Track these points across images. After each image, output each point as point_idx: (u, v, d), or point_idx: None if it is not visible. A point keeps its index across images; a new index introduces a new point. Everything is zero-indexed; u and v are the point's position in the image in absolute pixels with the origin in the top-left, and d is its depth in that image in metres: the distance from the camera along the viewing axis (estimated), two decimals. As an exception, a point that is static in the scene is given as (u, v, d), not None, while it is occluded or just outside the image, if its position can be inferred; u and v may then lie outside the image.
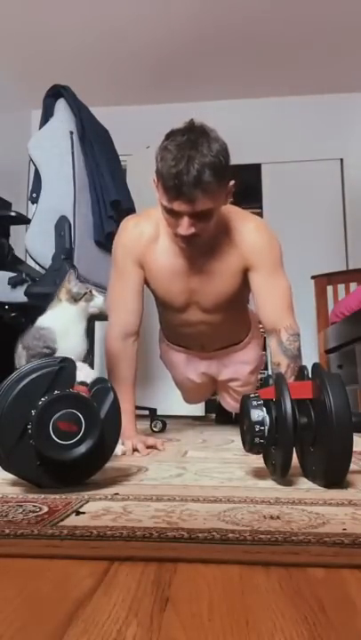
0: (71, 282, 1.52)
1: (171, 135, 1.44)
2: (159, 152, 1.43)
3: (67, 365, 1.03)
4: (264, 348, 2.31)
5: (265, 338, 2.37)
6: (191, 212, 1.44)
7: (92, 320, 1.71)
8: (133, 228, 1.70)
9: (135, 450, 1.52)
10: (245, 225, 1.64)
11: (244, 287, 1.72)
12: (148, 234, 1.66)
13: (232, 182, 1.51)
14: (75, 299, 1.49)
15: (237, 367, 2.10)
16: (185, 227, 1.47)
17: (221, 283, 1.69)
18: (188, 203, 1.41)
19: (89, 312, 1.52)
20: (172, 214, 1.48)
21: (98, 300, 1.52)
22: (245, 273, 1.67)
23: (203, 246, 1.60)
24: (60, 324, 1.45)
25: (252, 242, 1.62)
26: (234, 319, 1.90)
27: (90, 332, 2.55)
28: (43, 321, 1.48)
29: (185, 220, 1.46)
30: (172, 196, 1.41)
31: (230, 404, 2.26)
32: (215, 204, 1.47)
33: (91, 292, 1.51)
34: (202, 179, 1.37)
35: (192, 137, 1.40)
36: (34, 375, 1.00)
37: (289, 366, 1.58)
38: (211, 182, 1.38)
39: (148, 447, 1.58)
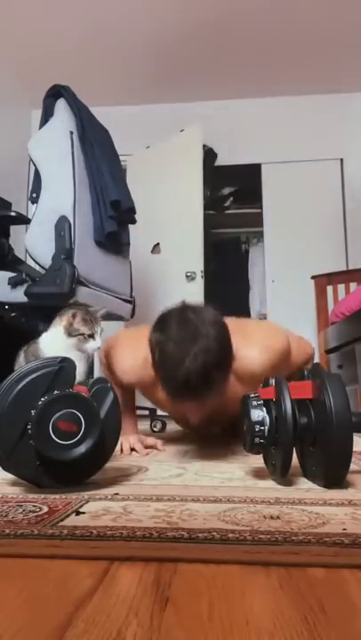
0: (76, 319, 1.57)
1: (165, 325, 1.30)
2: (156, 345, 1.30)
3: (66, 365, 1.03)
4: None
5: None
6: (200, 404, 1.34)
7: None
8: (132, 361, 1.53)
9: (133, 449, 1.52)
10: (248, 353, 1.43)
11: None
12: (149, 377, 1.45)
13: (227, 365, 1.35)
14: (70, 333, 1.56)
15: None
16: (195, 418, 1.41)
17: (227, 409, 1.51)
18: (196, 401, 1.32)
19: (82, 350, 1.56)
20: (179, 403, 1.39)
21: (89, 346, 1.56)
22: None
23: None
24: (53, 350, 1.50)
25: (257, 372, 1.42)
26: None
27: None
28: (42, 340, 1.59)
29: (193, 412, 1.39)
30: (179, 398, 1.32)
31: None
32: (221, 391, 1.35)
33: (85, 336, 1.55)
34: (209, 381, 1.25)
35: (189, 328, 1.26)
36: (33, 375, 1.00)
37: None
38: (216, 377, 1.28)
39: (148, 447, 1.58)
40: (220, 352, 1.27)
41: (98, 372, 2.70)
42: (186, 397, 1.29)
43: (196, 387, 1.23)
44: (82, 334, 1.55)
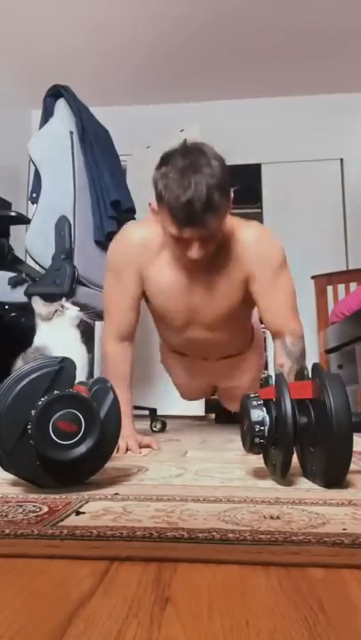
0: (39, 305, 1.63)
1: (168, 159, 1.38)
2: (160, 179, 1.38)
3: (66, 365, 1.03)
4: (265, 348, 2.30)
5: (265, 340, 2.36)
6: (202, 236, 1.41)
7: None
8: (136, 239, 1.63)
9: (128, 450, 1.52)
10: (245, 235, 1.58)
11: (247, 299, 1.67)
12: (152, 247, 1.59)
13: (232, 191, 1.47)
14: (48, 318, 1.60)
15: (238, 375, 2.06)
16: (196, 251, 1.44)
17: (224, 298, 1.64)
18: (200, 228, 1.38)
19: (73, 324, 1.59)
20: (180, 241, 1.44)
21: (70, 313, 1.61)
22: (247, 283, 1.62)
23: (205, 262, 1.55)
24: (52, 340, 1.55)
25: (252, 252, 1.56)
26: (236, 332, 1.85)
27: (90, 332, 2.55)
28: (36, 341, 1.63)
29: (195, 245, 1.43)
30: (183, 224, 1.37)
31: (231, 404, 2.26)
32: (223, 223, 1.45)
33: (59, 308, 1.61)
34: (212, 202, 1.33)
35: (192, 159, 1.35)
36: (33, 375, 1.00)
37: (292, 368, 1.56)
38: (219, 203, 1.35)
39: (144, 446, 1.58)
40: (223, 180, 1.36)
41: (98, 373, 2.70)
42: (190, 224, 1.36)
43: (201, 210, 1.32)
44: (55, 310, 1.61)
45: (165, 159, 1.39)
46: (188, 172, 1.32)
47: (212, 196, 1.32)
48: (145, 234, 1.62)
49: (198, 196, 1.30)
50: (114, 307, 1.69)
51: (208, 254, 1.49)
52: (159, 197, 1.39)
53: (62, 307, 1.59)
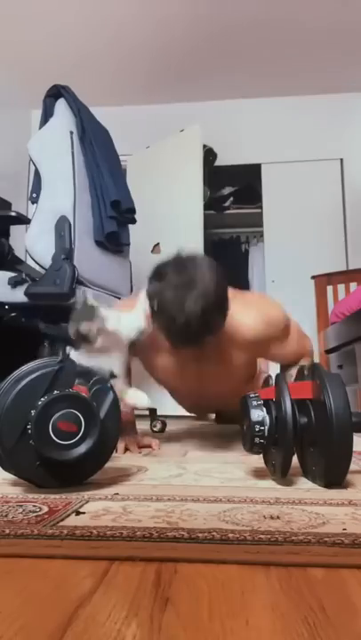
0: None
1: (162, 274, 1.29)
2: (154, 295, 1.29)
3: (66, 365, 1.03)
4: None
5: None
6: (199, 353, 1.41)
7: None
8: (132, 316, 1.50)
9: (127, 450, 1.52)
10: (244, 319, 1.46)
11: (252, 362, 1.65)
12: (147, 333, 1.44)
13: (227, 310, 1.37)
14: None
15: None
16: (195, 372, 1.49)
17: (228, 376, 1.58)
18: (196, 347, 1.36)
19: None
20: (179, 354, 1.47)
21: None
22: (254, 357, 1.63)
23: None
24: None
25: (254, 337, 1.47)
26: (241, 388, 1.66)
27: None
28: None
29: (194, 366, 1.48)
30: (180, 344, 1.36)
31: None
32: (219, 334, 1.37)
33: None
34: (208, 323, 1.27)
35: (186, 275, 1.27)
36: (33, 375, 1.00)
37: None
38: (216, 321, 1.31)
39: (143, 447, 1.58)
40: (219, 295, 1.30)
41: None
42: (186, 343, 1.34)
43: (197, 330, 1.26)
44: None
45: (159, 273, 1.31)
46: (183, 291, 1.24)
47: (208, 317, 1.26)
48: (140, 314, 1.47)
49: (194, 319, 1.23)
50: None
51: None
52: (154, 312, 1.31)
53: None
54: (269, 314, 1.52)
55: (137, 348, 1.50)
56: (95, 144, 2.36)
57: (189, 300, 1.23)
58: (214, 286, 1.28)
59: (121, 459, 1.41)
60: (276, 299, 1.67)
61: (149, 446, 1.59)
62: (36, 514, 0.80)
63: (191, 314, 1.23)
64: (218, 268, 1.34)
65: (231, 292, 1.38)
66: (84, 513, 0.81)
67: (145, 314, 1.32)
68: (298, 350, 1.60)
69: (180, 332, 1.27)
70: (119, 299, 2.50)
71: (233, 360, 1.52)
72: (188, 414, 3.06)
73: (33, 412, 0.95)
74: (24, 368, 1.01)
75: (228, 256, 4.31)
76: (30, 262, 2.43)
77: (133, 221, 2.58)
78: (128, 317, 1.34)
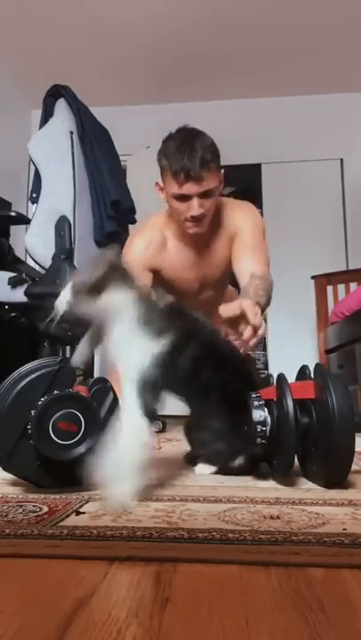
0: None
1: (168, 139, 1.68)
2: (162, 152, 1.67)
3: (66, 365, 1.03)
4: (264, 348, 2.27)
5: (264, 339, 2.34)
6: (200, 191, 1.63)
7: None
8: (140, 242, 1.81)
9: None
10: (233, 210, 1.85)
11: (229, 265, 1.88)
12: (156, 243, 1.80)
13: (222, 171, 1.74)
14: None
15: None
16: (196, 207, 1.65)
17: (222, 260, 1.85)
18: (198, 183, 1.61)
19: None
20: (182, 199, 1.66)
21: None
22: (231, 244, 1.84)
23: (204, 230, 1.75)
24: None
25: (237, 222, 1.81)
26: (223, 290, 2.08)
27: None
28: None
29: (195, 201, 1.64)
30: (182, 180, 1.61)
31: None
32: (216, 182, 1.68)
33: None
34: (205, 159, 1.60)
35: (188, 132, 1.67)
36: (33, 375, 1.00)
37: (258, 287, 1.58)
38: (212, 162, 1.63)
39: None
40: (214, 148, 1.66)
41: (99, 372, 2.70)
42: (190, 180, 1.60)
43: (198, 166, 1.58)
44: None
45: (166, 139, 1.68)
46: (185, 140, 1.62)
47: (206, 157, 1.60)
48: (147, 236, 1.82)
49: (194, 155, 1.59)
50: None
51: (207, 217, 1.70)
52: (162, 166, 1.66)
53: None
54: (252, 213, 1.90)
55: (151, 260, 1.80)
56: (95, 144, 2.36)
57: (189, 145, 1.60)
58: (211, 141, 1.67)
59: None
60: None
61: None
62: (36, 514, 0.80)
63: (192, 152, 1.59)
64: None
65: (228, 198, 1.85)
66: (84, 513, 0.81)
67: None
68: (259, 264, 1.72)
69: (184, 166, 1.58)
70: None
71: (222, 249, 1.82)
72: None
73: (33, 412, 0.95)
74: (24, 368, 1.01)
75: (229, 256, 4.31)
76: (30, 262, 2.43)
77: (133, 221, 2.58)
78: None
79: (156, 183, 1.74)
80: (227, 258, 1.84)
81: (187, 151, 1.60)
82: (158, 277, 1.86)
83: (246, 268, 1.71)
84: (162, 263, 1.83)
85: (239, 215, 1.84)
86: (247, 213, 1.88)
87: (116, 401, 1.07)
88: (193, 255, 1.85)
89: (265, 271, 1.71)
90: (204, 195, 1.65)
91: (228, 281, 2.01)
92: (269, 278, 1.70)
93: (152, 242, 1.80)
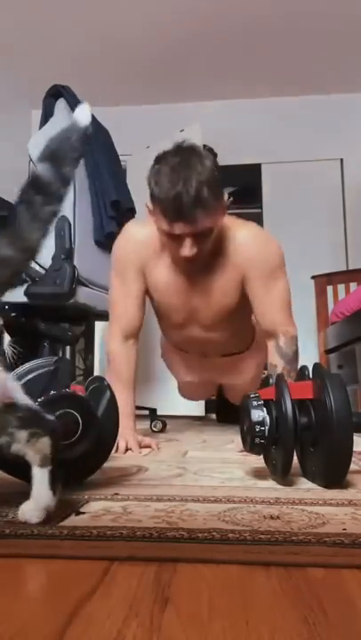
0: None
1: (161, 158, 1.43)
2: (152, 176, 1.42)
3: (62, 365, 1.03)
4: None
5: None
6: (193, 232, 1.43)
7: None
8: (139, 236, 1.66)
9: (128, 449, 1.52)
10: (240, 235, 1.58)
11: (244, 298, 1.68)
12: (153, 246, 1.62)
13: (227, 196, 1.52)
14: None
15: (238, 373, 2.06)
16: (188, 249, 1.45)
17: (221, 298, 1.65)
18: (190, 224, 1.40)
19: None
20: (173, 238, 1.46)
21: None
22: (243, 283, 1.64)
23: (202, 262, 1.58)
24: None
25: (246, 252, 1.57)
26: (235, 331, 1.85)
27: (89, 332, 2.55)
28: None
29: (187, 242, 1.45)
30: (173, 219, 1.40)
31: (234, 399, 2.25)
32: (214, 222, 1.46)
33: None
34: (201, 197, 1.36)
35: (184, 156, 1.40)
36: (30, 376, 1.00)
37: (285, 369, 1.55)
38: (209, 199, 1.38)
39: (145, 447, 1.58)
40: (212, 175, 1.39)
41: (98, 372, 2.70)
42: (180, 219, 1.38)
43: (191, 205, 1.34)
44: None
45: (158, 158, 1.44)
46: (179, 168, 1.36)
47: (202, 192, 1.35)
48: (147, 232, 1.63)
49: (187, 190, 1.33)
50: (118, 305, 1.70)
51: (202, 253, 1.50)
52: (152, 194, 1.43)
53: None
54: (267, 236, 1.62)
55: (141, 269, 1.63)
56: (95, 144, 2.36)
57: (183, 175, 1.34)
58: (210, 167, 1.39)
59: (121, 459, 1.41)
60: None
61: (149, 446, 1.59)
62: (35, 514, 0.80)
63: (184, 185, 1.33)
64: (214, 157, 1.46)
65: (233, 218, 1.51)
66: (83, 513, 0.81)
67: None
68: (280, 314, 1.59)
69: (174, 204, 1.35)
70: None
71: (227, 281, 1.60)
72: (188, 414, 3.07)
73: (32, 412, 0.95)
74: (20, 369, 1.01)
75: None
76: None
77: (133, 221, 2.58)
78: None
79: (147, 204, 1.52)
80: (232, 301, 1.64)
81: (180, 185, 1.34)
82: (151, 297, 1.74)
83: (269, 322, 1.58)
84: (152, 273, 1.64)
85: (251, 246, 1.57)
86: (260, 243, 1.60)
87: (113, 399, 1.07)
88: (183, 281, 1.64)
89: (289, 331, 1.59)
90: (198, 234, 1.44)
91: (234, 321, 1.75)
92: (293, 334, 1.59)
93: (149, 246, 1.61)
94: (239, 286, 1.64)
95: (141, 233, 1.66)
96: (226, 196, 1.50)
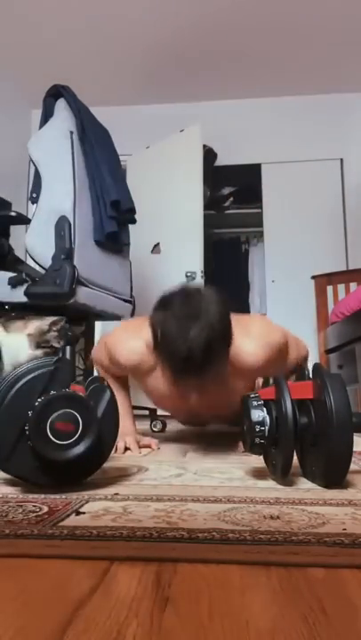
0: (52, 328, 1.46)
1: (167, 304, 1.31)
2: (158, 324, 1.30)
3: (62, 365, 1.03)
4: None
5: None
6: (201, 387, 1.39)
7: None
8: (133, 357, 1.52)
9: (127, 449, 1.52)
10: (245, 347, 1.44)
11: (253, 380, 1.65)
12: (149, 361, 1.49)
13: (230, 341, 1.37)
14: (38, 345, 1.44)
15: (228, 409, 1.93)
16: (195, 399, 1.46)
17: (225, 400, 1.55)
18: (199, 379, 1.33)
19: None
20: (179, 384, 1.43)
21: None
22: (253, 380, 1.64)
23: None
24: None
25: (255, 363, 1.45)
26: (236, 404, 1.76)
27: (89, 332, 2.55)
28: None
29: (194, 395, 1.45)
30: (181, 375, 1.34)
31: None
32: (224, 368, 1.38)
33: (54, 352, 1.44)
34: (211, 354, 1.25)
35: (191, 306, 1.28)
36: (30, 376, 1.00)
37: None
38: (219, 353, 1.30)
39: (144, 447, 1.58)
40: (223, 328, 1.28)
41: (97, 372, 2.69)
42: (188, 374, 1.30)
43: (199, 362, 1.23)
44: (52, 347, 1.40)
45: (164, 303, 1.32)
46: (187, 321, 1.24)
47: (212, 349, 1.24)
48: (142, 349, 1.48)
49: (197, 348, 1.22)
50: (107, 368, 1.65)
51: (209, 397, 1.46)
52: (157, 342, 1.32)
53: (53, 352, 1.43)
54: (271, 341, 1.49)
55: (135, 373, 1.55)
56: (95, 144, 2.36)
57: (193, 330, 1.22)
58: (219, 318, 1.27)
59: (121, 459, 1.41)
60: (276, 324, 1.62)
61: (149, 446, 1.59)
62: (36, 514, 0.80)
63: (194, 345, 1.21)
64: (223, 299, 1.33)
65: (231, 318, 1.35)
66: (84, 513, 0.81)
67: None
68: (296, 357, 1.60)
69: (183, 364, 1.25)
70: (119, 298, 2.50)
71: (234, 387, 1.49)
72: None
73: (30, 412, 0.95)
74: (20, 369, 1.01)
75: (228, 256, 4.31)
76: (30, 262, 2.42)
77: (133, 221, 2.58)
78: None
79: (148, 344, 1.39)
80: (234, 394, 1.45)
81: (188, 341, 1.22)
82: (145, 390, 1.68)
83: (287, 368, 1.53)
84: (146, 379, 1.56)
85: (260, 356, 1.44)
86: (268, 351, 1.45)
87: (113, 399, 1.07)
88: (183, 393, 1.53)
89: (299, 354, 1.59)
90: (205, 384, 1.37)
91: (235, 405, 1.60)
92: (305, 354, 1.61)
93: (144, 356, 1.48)
94: (247, 384, 1.57)
95: (134, 351, 1.52)
96: (231, 338, 1.36)
